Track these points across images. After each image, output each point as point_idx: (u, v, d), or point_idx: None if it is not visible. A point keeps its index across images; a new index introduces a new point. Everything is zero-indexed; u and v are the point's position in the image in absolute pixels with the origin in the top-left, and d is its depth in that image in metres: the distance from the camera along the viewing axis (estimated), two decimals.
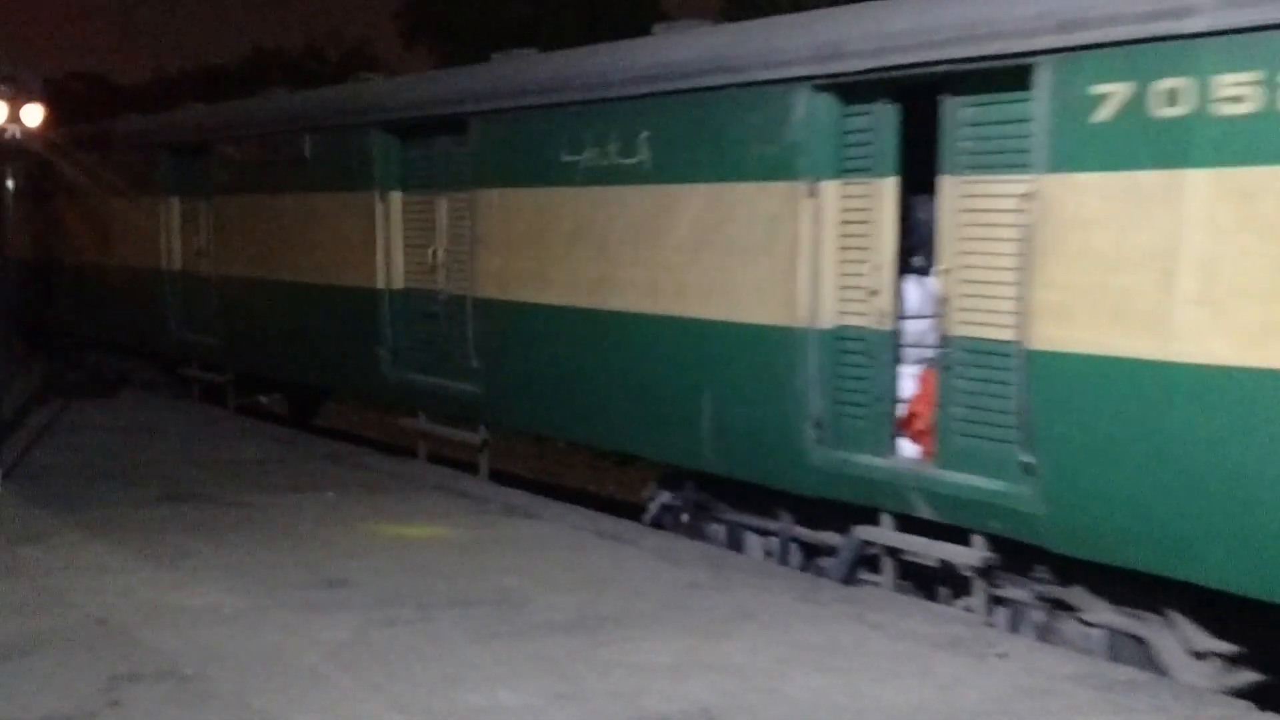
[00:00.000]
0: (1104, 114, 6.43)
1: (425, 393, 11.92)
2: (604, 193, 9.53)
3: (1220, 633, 6.68)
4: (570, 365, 10.06)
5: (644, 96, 9.13)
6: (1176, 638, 6.81)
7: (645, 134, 9.09)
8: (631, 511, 10.55)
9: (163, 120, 17.25)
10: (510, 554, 8.78)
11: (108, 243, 17.62)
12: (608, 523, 9.88)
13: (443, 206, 11.55)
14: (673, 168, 8.96)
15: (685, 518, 9.60)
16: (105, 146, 17.62)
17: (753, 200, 8.40)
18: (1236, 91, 5.87)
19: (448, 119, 11.19)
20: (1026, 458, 6.90)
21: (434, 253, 11.62)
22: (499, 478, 11.88)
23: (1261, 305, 5.83)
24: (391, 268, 12.09)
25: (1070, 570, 7.05)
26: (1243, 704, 6.17)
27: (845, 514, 8.18)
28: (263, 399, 17.35)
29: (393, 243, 12.01)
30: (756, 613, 7.42)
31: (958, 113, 7.28)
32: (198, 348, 15.85)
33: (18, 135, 22.46)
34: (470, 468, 11.80)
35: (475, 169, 10.92)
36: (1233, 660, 6.70)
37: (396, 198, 12.03)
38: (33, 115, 23.78)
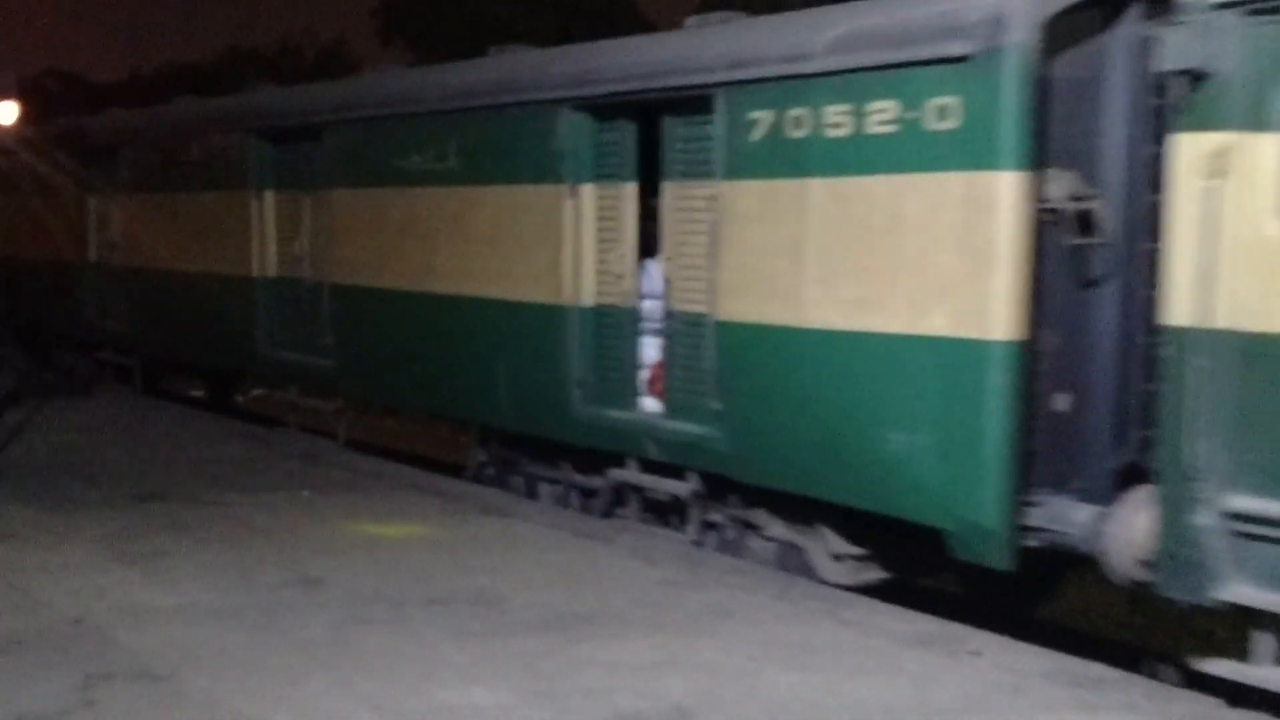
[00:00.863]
0: (757, 134, 8.23)
1: (293, 368, 13.49)
2: (425, 192, 11.23)
3: (857, 541, 8.45)
4: (402, 342, 11.68)
5: (453, 112, 10.88)
6: (823, 546, 8.57)
7: (454, 143, 10.85)
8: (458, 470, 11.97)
9: (77, 123, 18.84)
10: (486, 553, 8.79)
11: (38, 237, 19.02)
12: (584, 522, 9.90)
13: (306, 204, 13.04)
14: (475, 172, 10.68)
15: (491, 471, 11.27)
16: (33, 145, 19.02)
17: (531, 200, 10.08)
18: (837, 119, 7.72)
19: (308, 127, 12.80)
20: (717, 406, 8.66)
21: (299, 244, 13.21)
22: (357, 445, 13.40)
23: (855, 283, 7.66)
24: (266, 258, 13.68)
25: (755, 496, 8.76)
26: (1212, 700, 6.24)
27: (606, 460, 9.83)
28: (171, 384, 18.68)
29: (266, 236, 13.60)
30: (731, 611, 7.46)
31: (672, 130, 8.98)
32: (111, 333, 17.22)
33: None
34: (333, 435, 13.32)
35: (328, 171, 12.50)
36: (862, 561, 8.51)
37: (270, 196, 13.58)
38: (6, 112, 23.68)
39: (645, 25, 31.59)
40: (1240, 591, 6.10)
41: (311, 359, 13.00)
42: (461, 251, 10.81)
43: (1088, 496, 7.21)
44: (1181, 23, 6.09)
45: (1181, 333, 6.21)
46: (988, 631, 7.24)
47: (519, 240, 10.19)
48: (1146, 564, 6.68)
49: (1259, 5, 5.91)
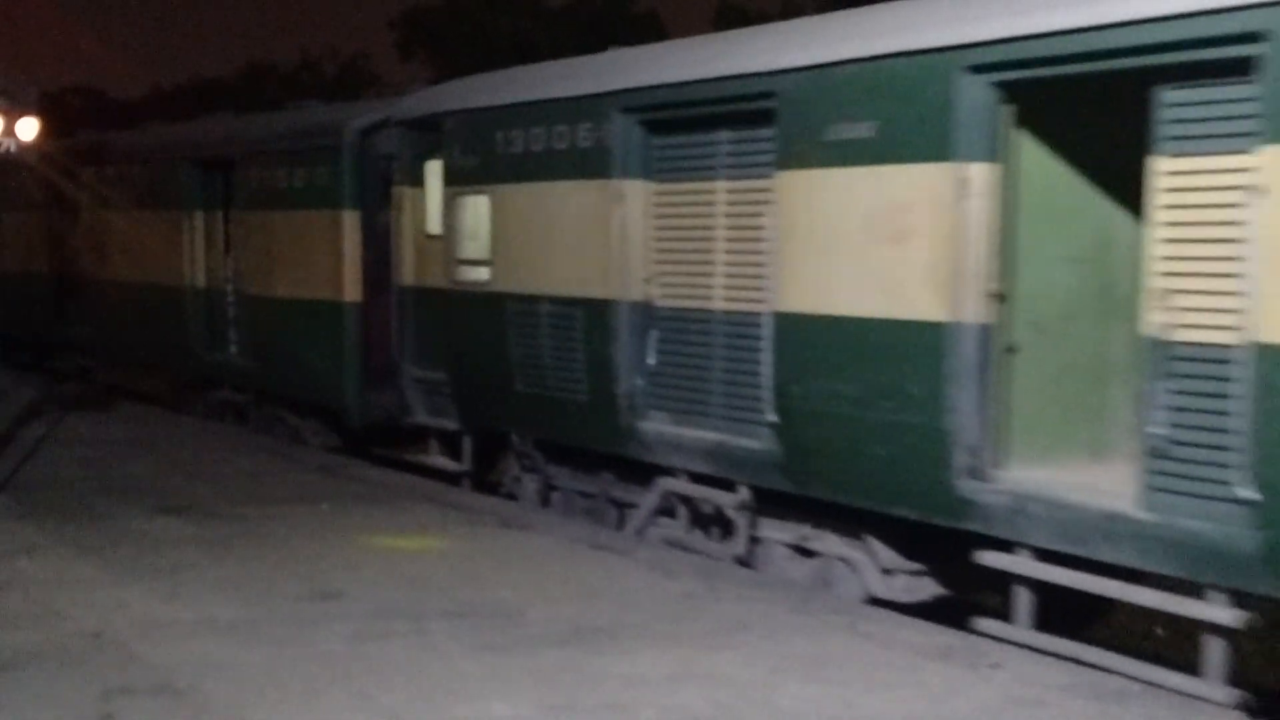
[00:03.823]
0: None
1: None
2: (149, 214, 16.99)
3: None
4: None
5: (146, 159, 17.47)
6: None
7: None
8: None
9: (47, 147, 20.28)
10: (503, 566, 8.79)
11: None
12: (602, 535, 9.89)
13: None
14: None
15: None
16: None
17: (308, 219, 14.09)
18: (281, 179, 14.56)
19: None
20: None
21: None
22: None
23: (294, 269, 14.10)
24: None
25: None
26: (1235, 714, 6.20)
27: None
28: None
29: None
30: (749, 624, 7.44)
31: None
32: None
33: (12, 149, 22.56)
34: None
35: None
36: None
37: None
38: (28, 129, 23.88)
39: (664, 37, 31.66)
40: (422, 418, 12.64)
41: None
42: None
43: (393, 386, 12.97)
44: (390, 130, 12.97)
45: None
46: (1008, 644, 7.21)
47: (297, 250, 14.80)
48: (400, 410, 12.88)
49: (399, 120, 12.80)
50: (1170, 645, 11.26)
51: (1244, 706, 6.34)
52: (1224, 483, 6.42)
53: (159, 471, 12.18)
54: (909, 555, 8.40)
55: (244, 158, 15.01)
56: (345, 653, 6.76)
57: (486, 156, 11.23)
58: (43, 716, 5.72)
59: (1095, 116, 7.73)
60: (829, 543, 8.79)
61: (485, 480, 12.34)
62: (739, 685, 6.35)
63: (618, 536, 9.83)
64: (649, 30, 37.31)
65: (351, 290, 13.17)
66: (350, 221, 13.19)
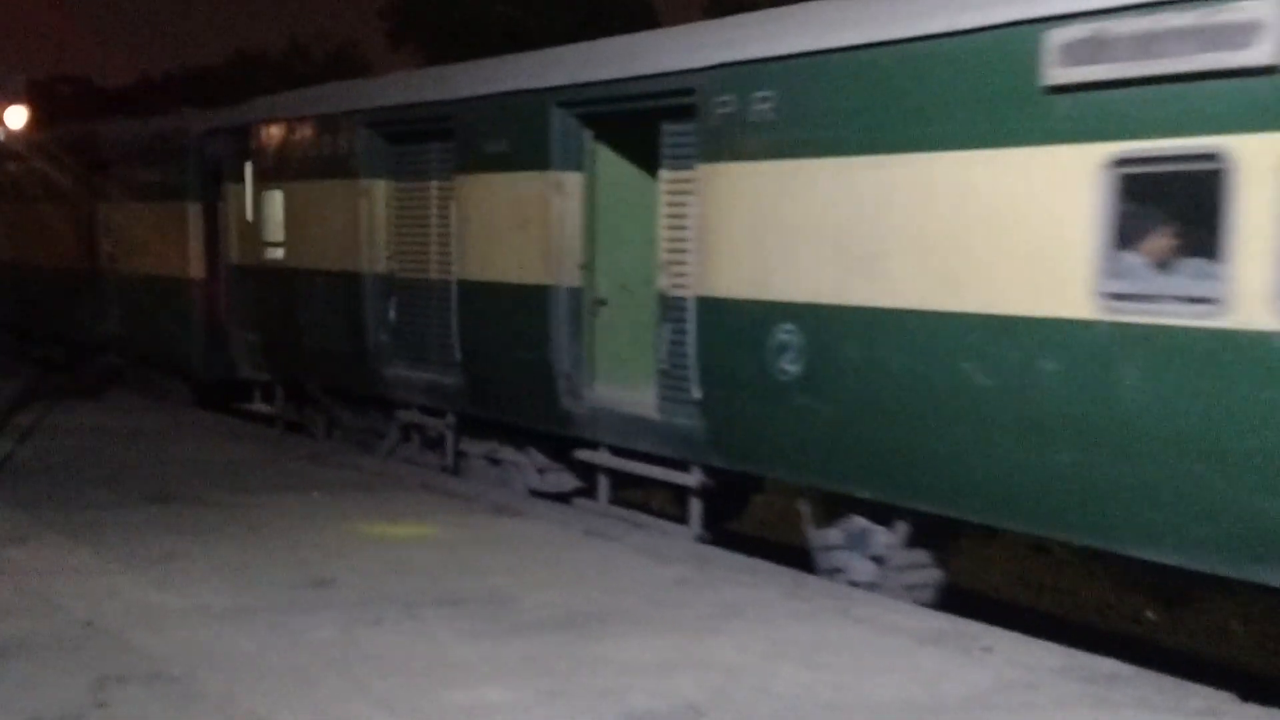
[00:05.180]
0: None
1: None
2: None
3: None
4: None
5: None
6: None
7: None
8: None
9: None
10: (497, 553, 8.79)
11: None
12: (595, 521, 9.90)
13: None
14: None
15: None
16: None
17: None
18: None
19: None
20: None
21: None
22: None
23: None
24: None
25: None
26: (1225, 694, 6.22)
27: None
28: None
29: None
30: (742, 609, 7.45)
31: None
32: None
33: (1, 137, 22.46)
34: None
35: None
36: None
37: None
38: (16, 117, 23.78)
39: (657, 24, 31.56)
40: (245, 372, 15.26)
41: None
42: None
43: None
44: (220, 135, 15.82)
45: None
46: (999, 628, 7.23)
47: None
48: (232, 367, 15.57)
49: (225, 127, 15.62)
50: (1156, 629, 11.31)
51: (1237, 690, 6.37)
52: (688, 390, 9.28)
53: (149, 460, 12.16)
54: (555, 459, 11.03)
55: (115, 159, 18.18)
56: (338, 640, 6.76)
57: (279, 159, 14.11)
58: (36, 705, 5.70)
59: (645, 139, 9.92)
60: (506, 452, 11.45)
61: (296, 424, 14.70)
62: (733, 670, 6.36)
63: (611, 524, 9.86)
64: (642, 17, 37.18)
65: (196, 268, 16.11)
66: (194, 211, 16.11)
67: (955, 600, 8.24)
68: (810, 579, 8.24)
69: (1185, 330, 6.41)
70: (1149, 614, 11.48)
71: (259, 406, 15.51)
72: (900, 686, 6.18)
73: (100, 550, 8.60)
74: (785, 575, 8.34)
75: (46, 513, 9.70)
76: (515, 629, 6.99)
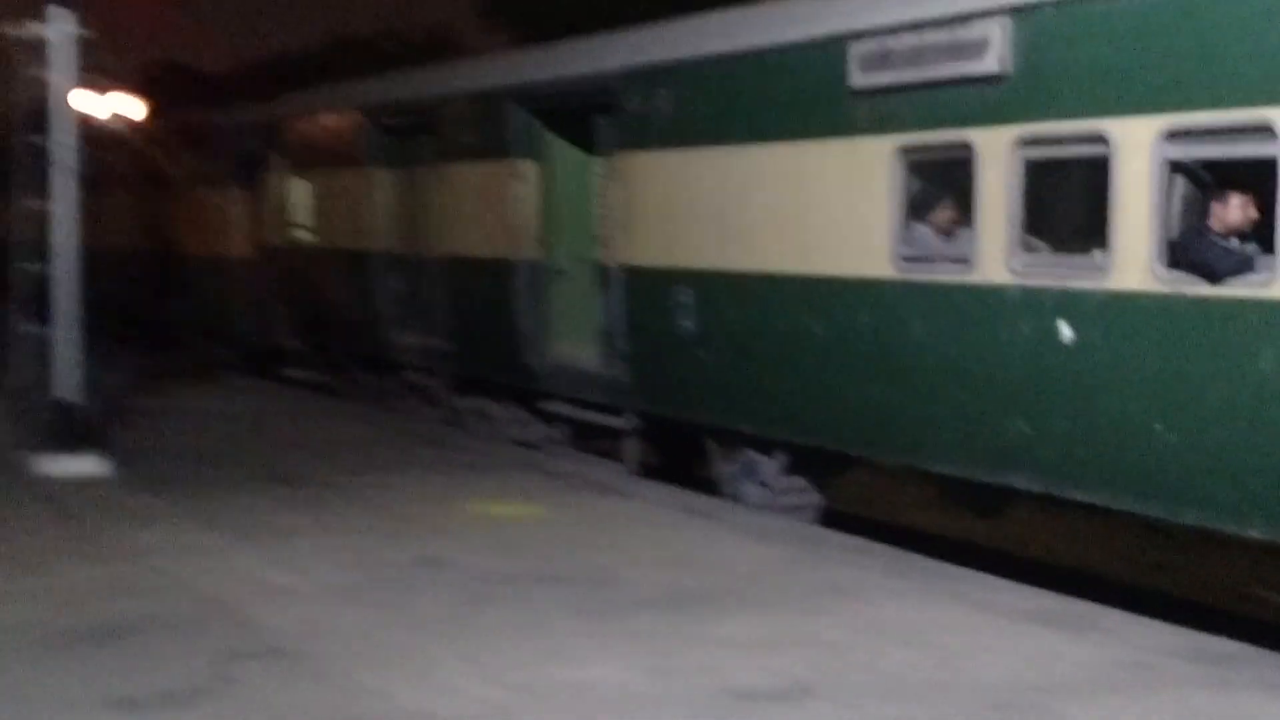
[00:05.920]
0: None
1: None
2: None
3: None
4: None
5: None
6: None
7: None
8: None
9: None
10: (602, 531, 8.89)
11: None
12: (698, 500, 9.96)
13: None
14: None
15: None
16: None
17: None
18: None
19: None
20: None
21: None
22: None
23: None
24: None
25: None
26: None
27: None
28: None
29: None
30: (847, 588, 7.46)
31: None
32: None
33: (113, 125, 23.18)
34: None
35: None
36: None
37: None
38: (126, 105, 24.50)
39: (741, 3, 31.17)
40: (287, 340, 17.06)
41: None
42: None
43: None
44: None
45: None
46: (1112, 608, 7.14)
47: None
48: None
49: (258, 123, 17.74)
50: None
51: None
52: (616, 345, 10.92)
53: (264, 442, 12.49)
54: (530, 411, 12.46)
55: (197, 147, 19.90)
56: (449, 617, 6.91)
57: (299, 152, 16.25)
58: (164, 680, 5.93)
59: (588, 129, 11.45)
60: (492, 409, 12.98)
61: (329, 386, 16.37)
62: (839, 649, 6.38)
63: (714, 503, 9.91)
64: None
65: (243, 248, 17.97)
66: (239, 197, 18.00)
67: (1051, 577, 8.17)
68: (918, 559, 8.21)
69: (948, 285, 7.99)
70: (1267, 593, 11.22)
71: (296, 373, 17.28)
72: (1010, 667, 6.14)
73: (222, 530, 8.87)
74: (891, 555, 8.32)
75: (168, 494, 10.03)
76: (621, 607, 7.08)
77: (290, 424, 13.53)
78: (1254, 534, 6.73)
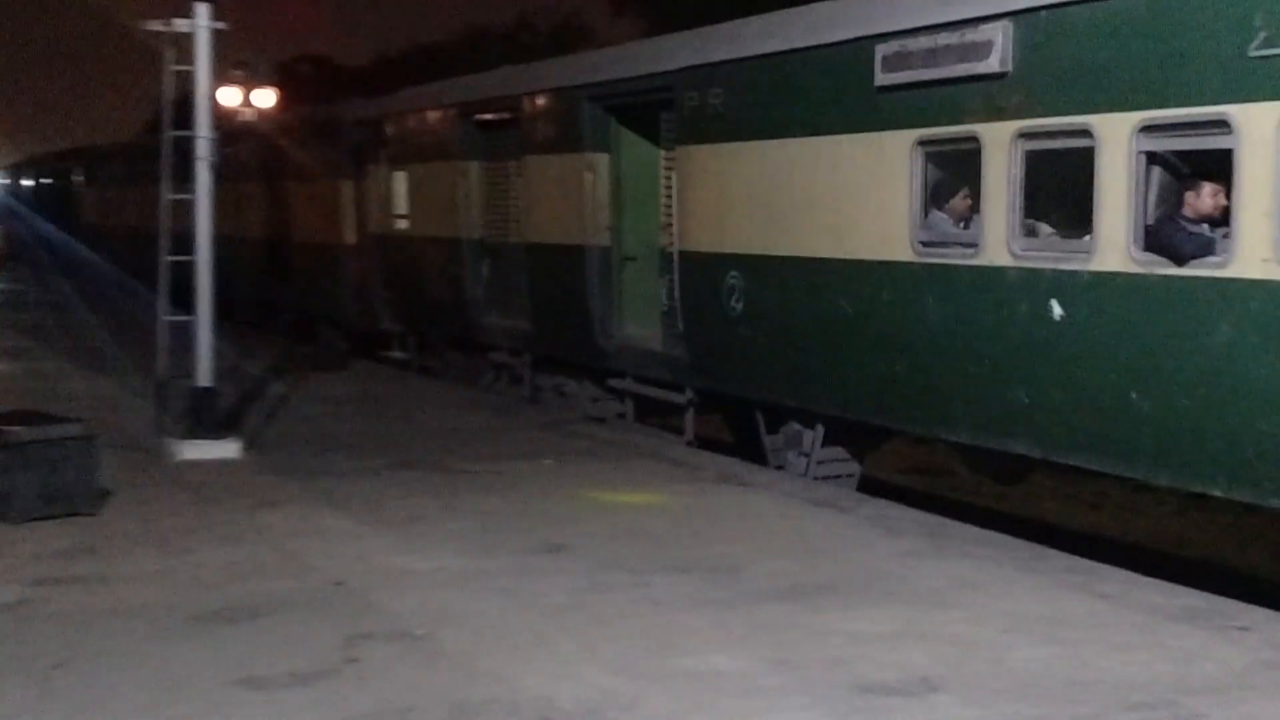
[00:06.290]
0: None
1: None
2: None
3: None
4: None
5: None
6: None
7: None
8: None
9: None
10: (723, 521, 8.82)
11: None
12: (821, 490, 9.81)
13: None
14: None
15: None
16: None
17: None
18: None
19: None
20: None
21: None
22: None
23: None
24: None
25: None
26: None
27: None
28: None
29: None
30: (976, 582, 7.26)
31: None
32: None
33: (251, 118, 23.81)
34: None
35: None
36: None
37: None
38: (264, 99, 25.11)
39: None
40: (385, 324, 18.22)
41: None
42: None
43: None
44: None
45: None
46: (1258, 606, 6.82)
47: None
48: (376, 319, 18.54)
49: (361, 119, 18.88)
50: None
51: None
52: (676, 326, 11.73)
53: (389, 428, 12.69)
54: (600, 388, 13.43)
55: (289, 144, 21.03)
56: (571, 604, 6.91)
57: (400, 146, 17.22)
58: (292, 660, 6.03)
59: (655, 124, 12.33)
60: (570, 386, 13.91)
61: (425, 366, 17.46)
62: (967, 644, 6.20)
63: (838, 493, 9.78)
64: None
65: (349, 235, 18.73)
66: (346, 188, 18.78)
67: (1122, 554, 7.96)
68: (1051, 552, 7.97)
69: (957, 267, 8.69)
70: None
71: (395, 354, 18.19)
72: (1147, 665, 5.90)
73: (348, 514, 9.02)
74: (1021, 548, 8.08)
75: (298, 478, 10.25)
76: (743, 597, 7.00)
77: (415, 411, 13.72)
78: (1216, 493, 7.39)
